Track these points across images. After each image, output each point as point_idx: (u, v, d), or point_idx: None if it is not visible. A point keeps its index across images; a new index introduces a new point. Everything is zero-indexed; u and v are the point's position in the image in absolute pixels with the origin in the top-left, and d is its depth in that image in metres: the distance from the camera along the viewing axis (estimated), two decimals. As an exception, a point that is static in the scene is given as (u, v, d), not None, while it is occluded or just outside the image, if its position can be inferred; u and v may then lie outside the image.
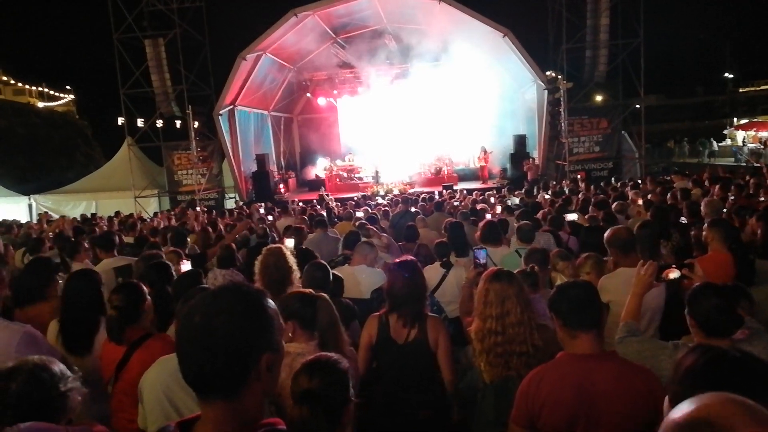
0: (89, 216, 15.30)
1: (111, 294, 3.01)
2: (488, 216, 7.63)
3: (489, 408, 2.78)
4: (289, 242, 5.52)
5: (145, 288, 3.07)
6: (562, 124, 18.24)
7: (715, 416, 0.89)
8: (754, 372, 1.27)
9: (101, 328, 3.09)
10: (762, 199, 7.45)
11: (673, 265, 2.81)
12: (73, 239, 7.10)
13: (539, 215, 7.27)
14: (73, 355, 3.03)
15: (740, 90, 55.74)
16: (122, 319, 2.88)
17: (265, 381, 1.25)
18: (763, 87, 54.75)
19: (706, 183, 9.95)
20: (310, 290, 2.88)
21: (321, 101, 23.28)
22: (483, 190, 15.91)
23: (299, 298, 2.74)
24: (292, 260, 3.89)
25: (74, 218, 15.17)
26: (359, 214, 9.05)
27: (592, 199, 8.80)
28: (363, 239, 5.49)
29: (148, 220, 13.96)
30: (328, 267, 3.81)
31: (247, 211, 13.43)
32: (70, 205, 20.66)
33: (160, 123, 20.33)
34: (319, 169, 22.79)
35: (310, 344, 2.64)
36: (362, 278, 4.67)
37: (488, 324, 2.84)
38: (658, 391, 2.13)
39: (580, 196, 9.90)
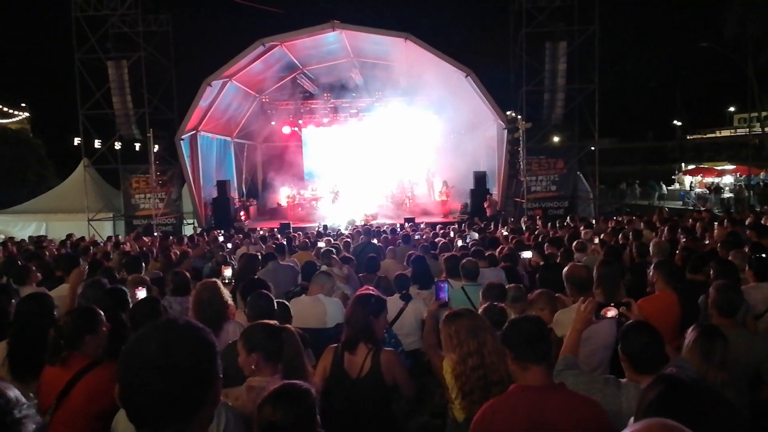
0: (36, 238, 14.71)
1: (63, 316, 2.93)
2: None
3: None
4: (227, 272, 5.47)
5: (100, 316, 2.96)
6: (521, 163, 18.77)
7: None
8: (704, 399, 1.41)
9: None
10: (707, 242, 7.80)
11: (612, 304, 2.90)
12: (21, 263, 6.87)
13: (497, 251, 7.40)
14: (18, 381, 2.91)
15: (688, 137, 58.65)
16: (59, 341, 2.75)
17: (214, 406, 1.29)
18: (708, 135, 57.84)
19: (657, 224, 10.35)
20: (275, 321, 2.82)
21: (285, 130, 23.31)
22: (444, 224, 16.11)
23: (264, 329, 2.67)
24: (227, 295, 3.78)
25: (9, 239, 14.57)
26: (321, 244, 9.02)
27: (550, 235, 9.01)
28: (323, 268, 5.49)
29: (102, 244, 13.53)
30: (271, 296, 3.71)
31: (207, 237, 13.18)
32: (18, 226, 19.85)
33: (118, 145, 19.92)
34: (281, 197, 22.69)
35: (275, 378, 2.54)
36: (319, 308, 4.66)
37: (470, 362, 2.86)
38: (604, 422, 2.23)
39: (536, 233, 10.14)
